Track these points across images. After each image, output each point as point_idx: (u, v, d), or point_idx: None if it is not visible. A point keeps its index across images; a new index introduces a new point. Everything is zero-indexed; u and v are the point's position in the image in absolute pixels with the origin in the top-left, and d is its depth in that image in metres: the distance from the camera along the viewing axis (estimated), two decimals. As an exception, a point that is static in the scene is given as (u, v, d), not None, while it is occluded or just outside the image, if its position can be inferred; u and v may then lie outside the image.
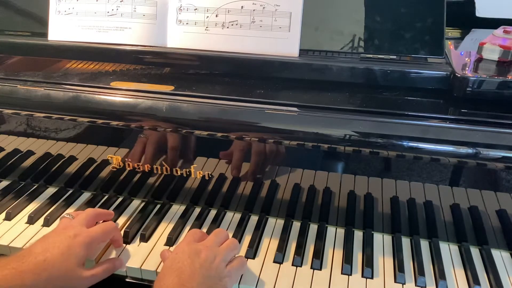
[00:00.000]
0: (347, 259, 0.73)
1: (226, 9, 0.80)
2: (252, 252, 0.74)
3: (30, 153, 0.88)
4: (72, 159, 0.86)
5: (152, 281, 0.71)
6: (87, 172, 0.87)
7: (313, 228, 0.81)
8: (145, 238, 0.77)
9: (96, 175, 0.87)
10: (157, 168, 0.81)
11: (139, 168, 0.82)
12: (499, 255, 0.76)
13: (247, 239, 0.78)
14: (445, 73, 0.74)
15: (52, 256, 0.63)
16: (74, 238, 0.66)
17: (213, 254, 0.65)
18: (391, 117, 0.69)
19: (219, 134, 0.73)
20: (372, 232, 0.79)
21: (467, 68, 0.75)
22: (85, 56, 0.89)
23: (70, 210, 0.86)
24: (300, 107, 0.72)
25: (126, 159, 0.80)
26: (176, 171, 0.81)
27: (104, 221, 0.77)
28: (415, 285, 0.69)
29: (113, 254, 0.74)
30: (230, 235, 0.79)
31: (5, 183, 0.93)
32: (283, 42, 0.79)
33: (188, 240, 0.68)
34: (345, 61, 0.78)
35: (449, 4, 0.76)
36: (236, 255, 0.70)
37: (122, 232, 0.78)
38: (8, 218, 0.82)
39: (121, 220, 0.83)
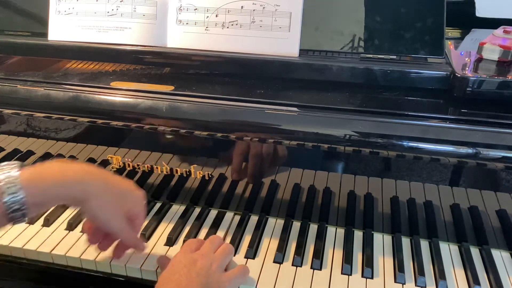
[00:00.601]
0: (347, 259, 0.73)
1: (226, 9, 0.80)
2: (252, 252, 0.74)
3: (30, 153, 0.88)
4: (72, 159, 0.86)
5: (152, 281, 0.72)
6: (87, 172, 0.87)
7: (313, 228, 0.81)
8: (145, 238, 0.77)
9: (96, 175, 0.87)
10: (157, 168, 0.81)
11: (139, 168, 0.82)
12: (499, 255, 0.76)
13: (247, 239, 0.78)
14: (445, 73, 0.74)
15: (118, 180, 0.65)
16: (136, 187, 0.67)
17: (209, 261, 0.65)
18: (391, 117, 0.69)
19: (219, 134, 0.73)
20: (372, 232, 0.79)
21: (467, 68, 0.75)
22: (85, 56, 0.89)
23: (70, 210, 0.85)
24: (300, 107, 0.72)
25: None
26: (176, 171, 0.81)
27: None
28: (415, 285, 0.69)
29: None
30: (230, 235, 0.79)
31: (5, 183, 0.93)
32: (283, 42, 0.79)
33: (184, 250, 0.68)
34: (345, 61, 0.78)
35: (449, 4, 0.76)
36: (236, 263, 0.70)
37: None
38: (8, 218, 0.82)
39: (121, 220, 0.83)
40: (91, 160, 0.85)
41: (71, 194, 0.60)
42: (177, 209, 0.86)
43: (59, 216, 0.83)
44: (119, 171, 0.84)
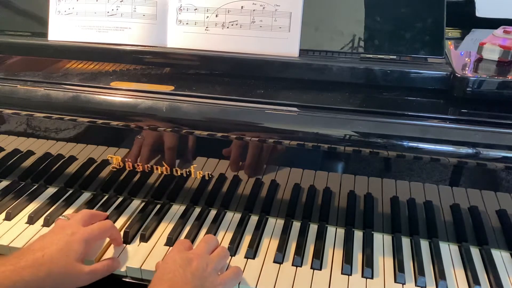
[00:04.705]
0: (347, 259, 0.73)
1: (226, 9, 0.80)
2: (252, 252, 0.74)
3: (30, 153, 0.88)
4: (72, 159, 0.86)
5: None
6: (87, 172, 0.87)
7: (313, 228, 0.81)
8: (145, 238, 0.77)
9: (96, 175, 0.87)
10: (157, 168, 0.81)
11: (139, 168, 0.82)
12: (499, 255, 0.76)
13: (247, 239, 0.78)
14: (445, 73, 0.74)
15: (51, 252, 0.63)
16: (72, 235, 0.67)
17: (204, 263, 0.64)
18: (391, 117, 0.69)
19: (219, 134, 0.73)
20: (372, 232, 0.79)
21: (467, 68, 0.75)
22: (85, 56, 0.89)
23: (70, 210, 0.86)
24: (300, 107, 0.72)
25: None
26: (176, 171, 0.81)
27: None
28: (415, 285, 0.69)
29: (113, 254, 0.74)
30: (230, 235, 0.79)
31: (5, 183, 0.93)
32: (283, 42, 0.79)
33: (178, 248, 0.68)
34: (345, 61, 0.78)
35: (449, 4, 0.76)
36: (229, 264, 0.70)
37: (122, 232, 0.78)
38: (8, 218, 0.82)
39: (121, 220, 0.83)
40: (91, 160, 0.85)
41: None
42: (177, 209, 0.86)
43: (59, 216, 0.83)
44: (119, 171, 0.84)
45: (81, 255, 0.66)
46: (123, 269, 0.72)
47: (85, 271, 0.66)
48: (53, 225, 0.81)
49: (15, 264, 0.61)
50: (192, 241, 0.78)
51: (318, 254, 0.74)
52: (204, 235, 0.78)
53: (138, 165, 0.82)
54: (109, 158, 0.83)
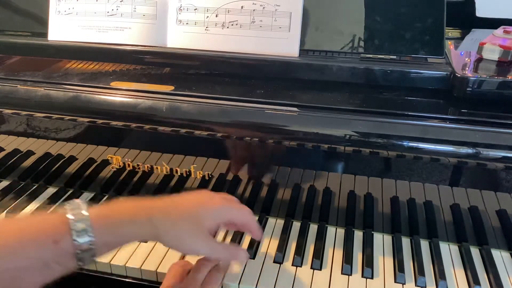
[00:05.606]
0: (347, 259, 0.73)
1: (226, 9, 0.80)
2: (252, 252, 0.74)
3: (30, 153, 0.88)
4: (72, 159, 0.86)
5: (152, 281, 0.72)
6: (87, 172, 0.87)
7: (313, 228, 0.81)
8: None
9: (96, 175, 0.87)
10: (157, 168, 0.81)
11: (139, 168, 0.82)
12: (499, 255, 0.76)
13: (247, 239, 0.78)
14: (445, 73, 0.74)
15: (187, 203, 0.61)
16: (210, 199, 0.63)
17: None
18: (391, 117, 0.69)
19: (219, 134, 0.73)
20: (372, 232, 0.79)
21: (467, 68, 0.75)
22: (85, 56, 0.89)
23: (70, 210, 0.85)
24: (300, 107, 0.72)
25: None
26: (176, 171, 0.81)
27: None
28: (415, 285, 0.69)
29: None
30: (230, 235, 0.79)
31: (5, 183, 0.93)
32: (283, 42, 0.79)
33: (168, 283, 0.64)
34: (345, 61, 0.78)
35: (449, 4, 0.76)
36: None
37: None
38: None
39: (121, 220, 0.83)
40: (91, 160, 0.85)
41: (141, 232, 0.56)
42: (177, 209, 0.86)
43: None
44: (119, 171, 0.84)
45: (211, 222, 0.61)
46: (123, 269, 0.72)
47: (208, 239, 0.60)
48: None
49: (149, 201, 0.58)
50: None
51: (318, 254, 0.74)
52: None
53: (138, 165, 0.82)
54: (109, 158, 0.83)
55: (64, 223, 0.51)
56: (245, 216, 0.66)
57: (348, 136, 0.68)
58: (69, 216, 0.52)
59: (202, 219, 0.60)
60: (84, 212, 0.53)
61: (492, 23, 0.88)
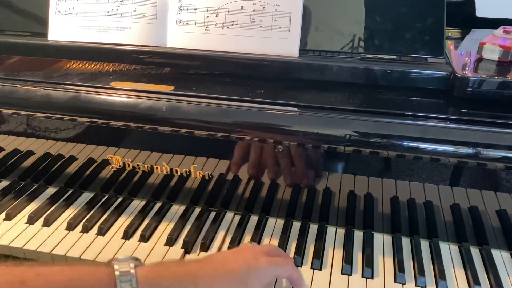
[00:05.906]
0: (347, 259, 0.73)
1: (226, 9, 0.80)
2: (252, 252, 0.74)
3: (30, 153, 0.88)
4: (72, 159, 0.86)
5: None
6: (87, 172, 0.87)
7: (313, 228, 0.81)
8: (145, 238, 0.77)
9: (96, 175, 0.87)
10: (157, 168, 0.81)
11: (139, 168, 0.82)
12: (499, 255, 0.76)
13: (247, 239, 0.78)
14: (445, 73, 0.74)
15: (232, 262, 0.61)
16: (254, 259, 0.63)
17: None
18: (391, 117, 0.69)
19: (219, 134, 0.73)
20: (372, 232, 0.79)
21: (467, 68, 0.75)
22: (85, 56, 0.89)
23: (70, 210, 0.85)
24: (300, 107, 0.72)
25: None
26: (176, 171, 0.81)
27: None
28: (415, 285, 0.69)
29: None
30: (230, 235, 0.79)
31: (5, 183, 0.93)
32: (283, 42, 0.79)
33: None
34: (345, 61, 0.78)
35: (449, 4, 0.76)
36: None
37: (122, 232, 0.78)
38: (8, 218, 0.82)
39: (121, 220, 0.83)
40: (91, 160, 0.85)
41: None
42: (177, 209, 0.86)
43: (59, 216, 0.83)
44: (119, 171, 0.84)
45: (257, 284, 0.62)
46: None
47: None
48: (55, 223, 0.81)
49: (196, 265, 0.60)
50: (194, 242, 0.78)
51: (318, 254, 0.74)
52: (204, 235, 0.78)
53: (138, 165, 0.82)
54: (109, 158, 0.83)
55: (112, 282, 0.52)
56: (289, 272, 0.67)
57: (348, 136, 0.68)
58: (117, 273, 0.53)
59: (249, 284, 0.61)
60: (131, 270, 0.54)
61: (492, 23, 0.88)
